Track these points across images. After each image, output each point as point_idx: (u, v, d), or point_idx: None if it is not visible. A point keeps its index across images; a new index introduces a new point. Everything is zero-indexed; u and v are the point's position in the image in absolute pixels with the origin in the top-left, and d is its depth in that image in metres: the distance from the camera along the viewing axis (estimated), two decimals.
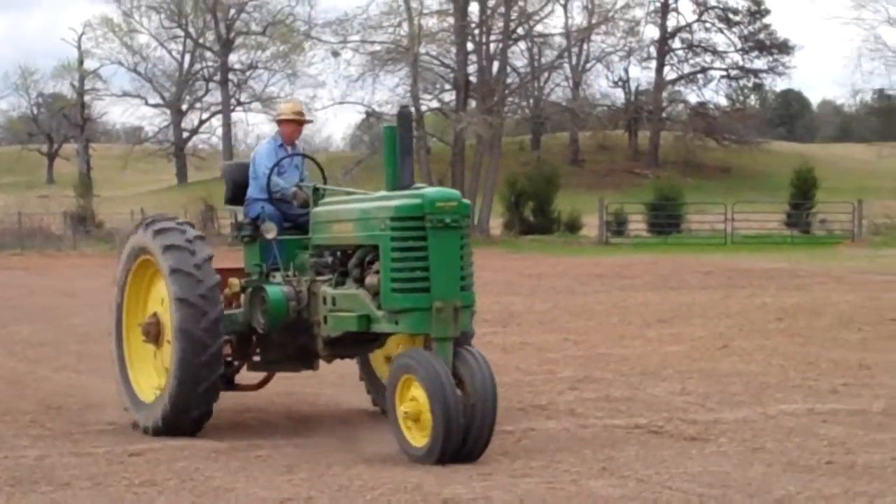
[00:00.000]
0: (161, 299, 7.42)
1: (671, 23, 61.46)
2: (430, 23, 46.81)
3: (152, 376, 7.58)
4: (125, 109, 72.17)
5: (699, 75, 63.44)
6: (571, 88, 55.23)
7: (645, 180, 53.65)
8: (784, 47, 62.32)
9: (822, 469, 5.85)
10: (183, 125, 63.98)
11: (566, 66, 54.58)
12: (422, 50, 45.26)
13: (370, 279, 6.69)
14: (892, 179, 50.61)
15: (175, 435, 7.04)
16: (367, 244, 6.81)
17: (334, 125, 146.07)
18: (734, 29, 62.30)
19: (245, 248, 7.84)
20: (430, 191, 6.64)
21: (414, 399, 6.18)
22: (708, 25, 62.39)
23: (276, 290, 7.22)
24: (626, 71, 60.87)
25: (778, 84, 69.25)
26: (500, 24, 45.49)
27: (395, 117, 6.91)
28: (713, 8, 61.69)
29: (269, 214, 7.64)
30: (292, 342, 7.45)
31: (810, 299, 15.87)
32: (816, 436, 6.76)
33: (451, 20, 45.31)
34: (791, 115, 79.51)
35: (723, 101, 64.61)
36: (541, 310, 15.79)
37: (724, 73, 63.52)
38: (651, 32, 60.37)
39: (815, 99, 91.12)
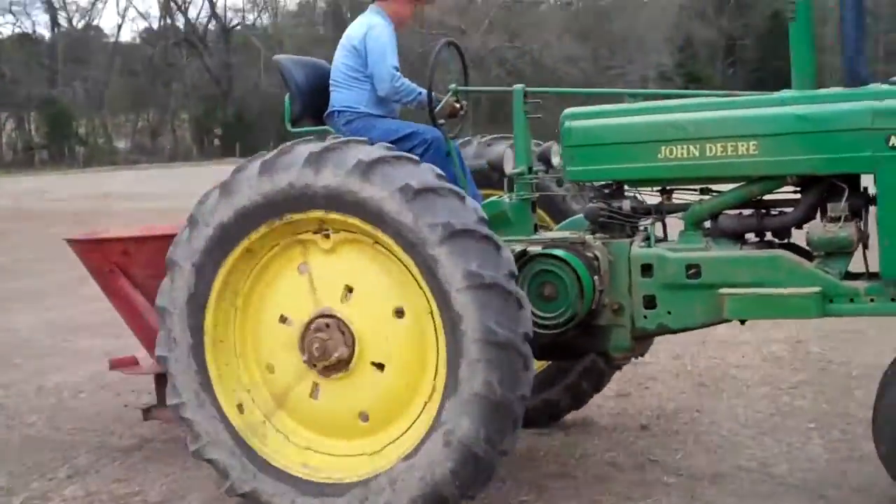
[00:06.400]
0: (308, 295, 3.80)
1: None
2: None
3: (325, 435, 3.91)
4: None
5: None
6: None
7: None
8: None
9: None
10: None
11: None
12: None
13: (818, 231, 3.66)
14: None
15: None
16: (804, 174, 3.70)
17: None
18: None
19: None
20: None
21: None
22: None
23: (577, 260, 3.90)
24: None
25: None
26: None
27: None
28: None
29: (437, 138, 4.33)
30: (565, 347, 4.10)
31: None
32: None
33: None
34: None
35: None
36: None
37: None
38: None
39: None
